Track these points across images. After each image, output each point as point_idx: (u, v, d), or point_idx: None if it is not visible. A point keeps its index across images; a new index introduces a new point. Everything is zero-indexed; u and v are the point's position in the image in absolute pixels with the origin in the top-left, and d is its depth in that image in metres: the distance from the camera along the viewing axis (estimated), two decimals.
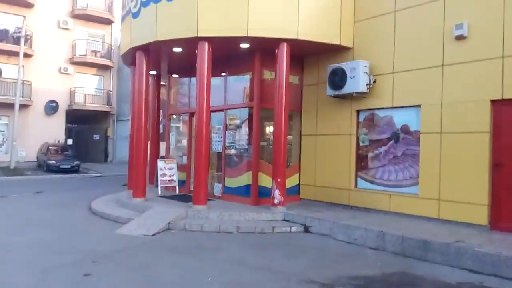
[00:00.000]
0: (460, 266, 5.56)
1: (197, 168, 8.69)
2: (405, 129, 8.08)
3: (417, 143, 7.78)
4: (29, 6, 21.72)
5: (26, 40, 19.98)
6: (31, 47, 21.51)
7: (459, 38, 7.13)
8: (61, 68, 23.04)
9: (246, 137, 9.46)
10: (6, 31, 20.95)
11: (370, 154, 8.64)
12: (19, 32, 19.66)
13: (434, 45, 7.50)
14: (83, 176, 18.62)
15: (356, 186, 8.80)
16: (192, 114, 10.70)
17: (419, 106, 7.75)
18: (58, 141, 22.16)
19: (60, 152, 20.22)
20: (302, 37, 8.25)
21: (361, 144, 8.82)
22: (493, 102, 6.79)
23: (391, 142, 8.29)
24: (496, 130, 6.76)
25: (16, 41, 20.30)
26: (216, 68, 8.99)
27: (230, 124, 9.91)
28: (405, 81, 7.96)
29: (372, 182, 8.57)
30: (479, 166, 6.88)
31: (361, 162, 8.79)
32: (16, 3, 21.25)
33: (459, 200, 7.08)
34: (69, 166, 18.96)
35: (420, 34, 7.73)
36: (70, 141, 23.43)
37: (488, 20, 6.84)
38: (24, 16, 21.29)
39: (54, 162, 18.79)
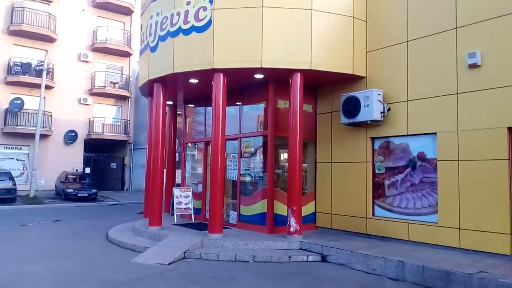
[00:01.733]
0: None
1: (212, 196, 8.74)
2: (421, 157, 8.04)
3: (435, 170, 7.71)
4: (52, 40, 22.68)
5: (47, 73, 20.74)
6: (52, 79, 22.31)
7: (473, 66, 7.17)
8: (80, 99, 23.74)
9: (261, 165, 9.52)
10: (29, 64, 21.82)
11: (386, 182, 8.57)
12: (41, 65, 20.45)
13: (448, 73, 7.55)
14: (100, 204, 18.81)
15: (373, 214, 8.70)
16: (207, 143, 10.85)
17: (435, 133, 7.72)
18: (76, 170, 22.56)
19: (78, 180, 20.53)
20: (315, 67, 8.40)
21: (377, 171, 8.77)
22: (510, 129, 6.74)
23: (408, 169, 8.23)
24: None
25: (38, 73, 21.09)
26: (231, 98, 9.19)
27: (245, 152, 10.00)
28: (419, 109, 7.98)
29: (389, 210, 8.46)
30: (499, 194, 6.76)
31: (378, 190, 8.72)
32: (39, 38, 22.22)
33: (480, 229, 6.93)
34: (86, 195, 19.20)
35: (433, 63, 7.80)
36: (88, 170, 23.82)
37: (501, 49, 6.89)
38: (46, 50, 22.18)
39: (72, 190, 19.06)
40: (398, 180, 8.38)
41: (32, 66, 21.91)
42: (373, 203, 8.73)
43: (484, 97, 7.04)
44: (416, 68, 8.10)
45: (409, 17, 8.28)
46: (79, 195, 18.95)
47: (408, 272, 6.29)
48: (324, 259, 7.56)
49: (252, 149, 9.88)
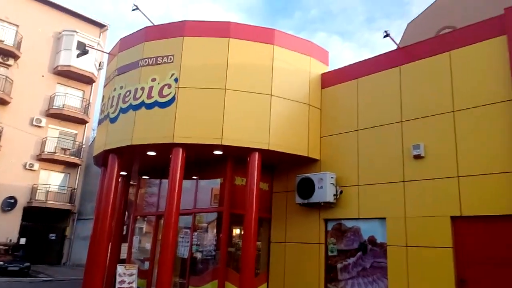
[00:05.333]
0: None
1: (160, 275, 8.25)
2: (372, 241, 8.21)
3: (384, 255, 7.86)
4: (5, 103, 22.01)
5: None
6: None
7: (417, 157, 7.74)
8: (26, 164, 22.53)
9: (214, 242, 9.25)
10: None
11: (339, 265, 8.57)
12: None
13: (395, 162, 8.08)
14: (32, 280, 17.01)
15: None
16: (159, 216, 10.50)
17: (384, 218, 8.01)
18: (10, 240, 20.62)
19: (10, 252, 18.69)
20: (272, 148, 8.72)
21: (330, 254, 8.79)
22: (453, 218, 7.13)
23: (359, 253, 8.33)
24: (458, 246, 6.99)
25: None
26: (188, 172, 9.16)
27: (198, 228, 9.74)
28: (370, 194, 8.33)
29: None
30: (446, 281, 6.94)
31: (331, 273, 8.66)
32: None
33: None
34: (17, 269, 17.36)
35: (382, 151, 8.36)
36: (23, 240, 21.83)
37: (442, 143, 7.53)
38: None
39: (1, 263, 17.23)
40: (350, 263, 8.42)
41: None
42: (326, 287, 8.61)
43: (428, 186, 7.52)
44: (366, 154, 8.61)
45: (359, 109, 8.99)
46: (9, 269, 17.09)
47: None
48: None
49: (206, 225, 9.66)
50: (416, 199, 7.62)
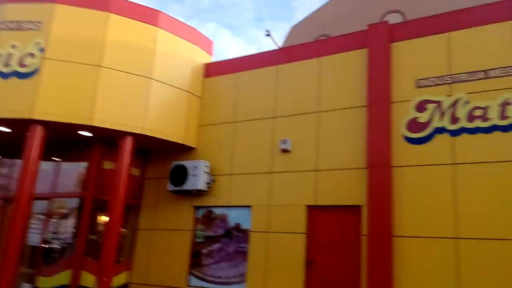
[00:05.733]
0: None
1: (4, 264, 7.38)
2: (237, 227, 8.59)
3: (247, 241, 8.28)
4: None
5: None
6: None
7: (284, 151, 8.31)
8: None
9: (73, 230, 8.63)
10: None
11: (204, 251, 8.77)
12: None
13: (265, 154, 8.55)
14: None
15: (189, 285, 8.66)
16: (7, 200, 9.36)
17: (250, 206, 8.44)
18: None
19: None
20: (148, 132, 8.48)
21: (197, 240, 8.94)
22: (308, 207, 7.86)
23: (224, 239, 8.64)
24: (310, 232, 7.74)
25: None
26: (50, 153, 8.39)
27: (56, 214, 8.97)
28: (239, 183, 8.68)
29: (204, 280, 8.58)
30: (297, 263, 7.61)
31: (196, 259, 8.81)
32: None
33: None
34: None
35: (254, 143, 8.76)
36: None
37: (307, 139, 8.18)
38: None
39: None
40: (214, 249, 8.68)
41: None
42: (190, 272, 8.74)
43: (292, 178, 8.13)
44: (240, 146, 8.93)
45: (238, 101, 9.27)
46: None
47: None
48: None
49: (67, 211, 8.96)
50: (280, 189, 8.19)
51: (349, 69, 8.14)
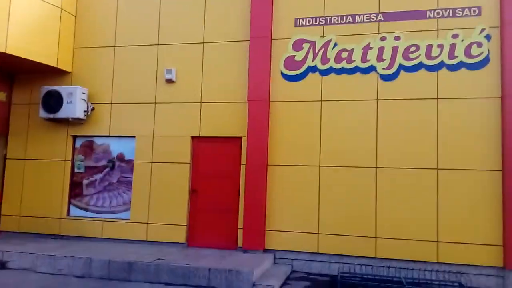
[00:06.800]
0: (158, 281, 6.27)
1: None
2: (120, 158, 8.51)
3: (131, 171, 8.32)
4: None
5: None
6: None
7: (169, 81, 8.22)
8: None
9: None
10: None
11: (85, 181, 8.59)
12: None
13: (149, 83, 8.35)
14: None
15: (68, 214, 8.52)
16: None
17: (134, 136, 8.36)
18: None
19: None
20: (11, 51, 7.52)
21: (76, 170, 8.66)
22: (193, 138, 8.11)
23: (107, 169, 8.53)
24: (194, 162, 8.09)
25: None
26: None
27: None
28: (122, 113, 8.44)
29: (86, 210, 8.51)
30: (181, 191, 7.99)
31: (75, 189, 8.61)
32: None
33: (165, 223, 7.97)
34: None
35: (137, 71, 8.44)
36: None
37: (192, 70, 8.17)
38: None
39: None
40: (96, 179, 8.56)
41: None
42: (69, 203, 8.56)
43: (176, 109, 8.18)
44: (121, 73, 8.53)
45: (118, 25, 8.66)
46: None
47: (95, 268, 6.53)
48: (3, 266, 6.81)
49: None
50: (165, 120, 8.22)
51: (234, 2, 8.11)
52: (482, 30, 6.90)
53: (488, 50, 6.85)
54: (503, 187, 6.58)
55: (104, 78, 8.60)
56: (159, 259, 6.67)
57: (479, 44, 6.89)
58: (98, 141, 8.66)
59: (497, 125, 6.71)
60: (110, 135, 8.51)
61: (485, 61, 6.85)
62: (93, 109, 8.54)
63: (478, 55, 6.87)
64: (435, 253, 6.75)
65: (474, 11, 6.98)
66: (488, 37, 6.88)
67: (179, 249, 7.67)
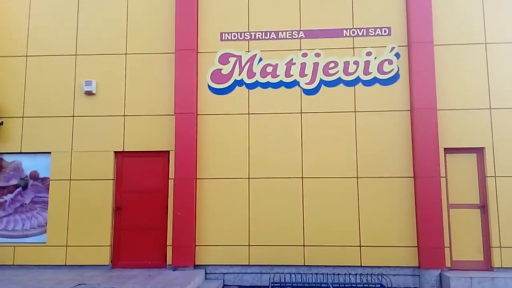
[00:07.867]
0: None
1: None
2: (34, 176, 7.83)
3: (47, 190, 7.70)
4: None
5: None
6: None
7: (89, 93, 7.78)
8: None
9: None
10: None
11: None
12: None
13: (66, 95, 7.84)
14: None
15: None
16: None
17: (49, 153, 7.75)
18: None
19: None
20: None
21: None
22: (116, 153, 7.73)
23: (19, 189, 7.80)
24: (118, 178, 7.71)
25: None
26: None
27: None
28: (36, 127, 7.80)
29: None
30: (104, 210, 7.55)
31: None
32: None
33: (86, 244, 7.46)
34: None
35: (53, 83, 7.88)
36: None
37: (114, 82, 7.84)
38: None
39: None
40: (7, 201, 7.78)
41: None
42: None
43: (97, 122, 7.76)
44: (35, 84, 7.91)
45: (31, 31, 8.05)
46: None
47: None
48: None
49: None
50: (84, 134, 7.75)
51: (159, 13, 7.96)
52: (392, 48, 7.54)
53: (398, 67, 7.50)
54: (415, 192, 7.18)
55: (15, 90, 7.91)
56: (80, 284, 6.22)
57: (390, 62, 7.51)
58: (7, 158, 7.89)
59: (407, 135, 7.34)
60: (22, 151, 7.81)
61: (395, 77, 7.48)
62: (1, 123, 7.78)
63: (389, 72, 7.49)
64: (359, 258, 7.14)
65: (385, 31, 7.61)
66: (397, 55, 7.53)
67: (103, 271, 7.22)
